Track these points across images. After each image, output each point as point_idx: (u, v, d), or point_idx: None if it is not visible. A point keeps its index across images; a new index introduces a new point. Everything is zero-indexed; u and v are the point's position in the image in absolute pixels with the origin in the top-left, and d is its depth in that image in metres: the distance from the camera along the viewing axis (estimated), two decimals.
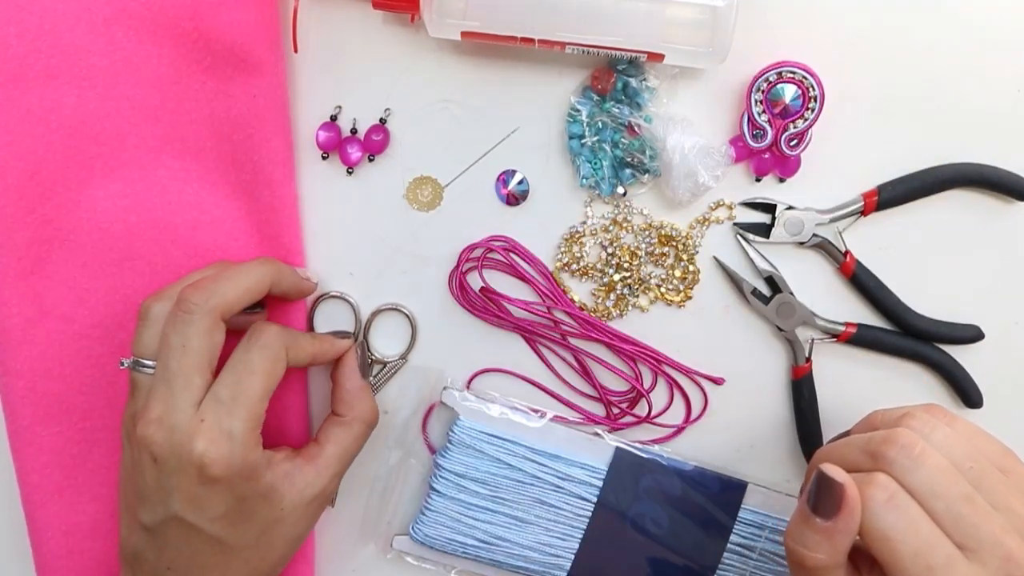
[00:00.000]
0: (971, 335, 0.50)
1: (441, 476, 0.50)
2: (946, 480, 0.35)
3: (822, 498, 0.36)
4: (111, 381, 0.48)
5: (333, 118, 0.49)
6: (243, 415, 0.41)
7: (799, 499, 0.38)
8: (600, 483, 0.50)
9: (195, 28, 0.44)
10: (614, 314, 0.50)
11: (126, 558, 0.44)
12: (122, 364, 0.44)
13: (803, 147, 0.48)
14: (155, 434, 0.40)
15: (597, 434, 0.51)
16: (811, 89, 0.46)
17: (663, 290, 0.50)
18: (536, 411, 0.51)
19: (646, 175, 0.48)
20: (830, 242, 0.49)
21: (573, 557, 0.50)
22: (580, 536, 0.50)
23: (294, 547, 0.45)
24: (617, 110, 0.47)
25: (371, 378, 0.51)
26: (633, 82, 0.47)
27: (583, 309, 0.50)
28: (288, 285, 0.46)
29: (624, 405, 0.51)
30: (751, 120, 0.47)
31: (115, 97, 0.45)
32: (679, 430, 0.51)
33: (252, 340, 0.42)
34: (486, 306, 0.50)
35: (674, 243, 0.49)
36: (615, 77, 0.47)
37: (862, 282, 0.49)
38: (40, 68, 0.44)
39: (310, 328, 0.50)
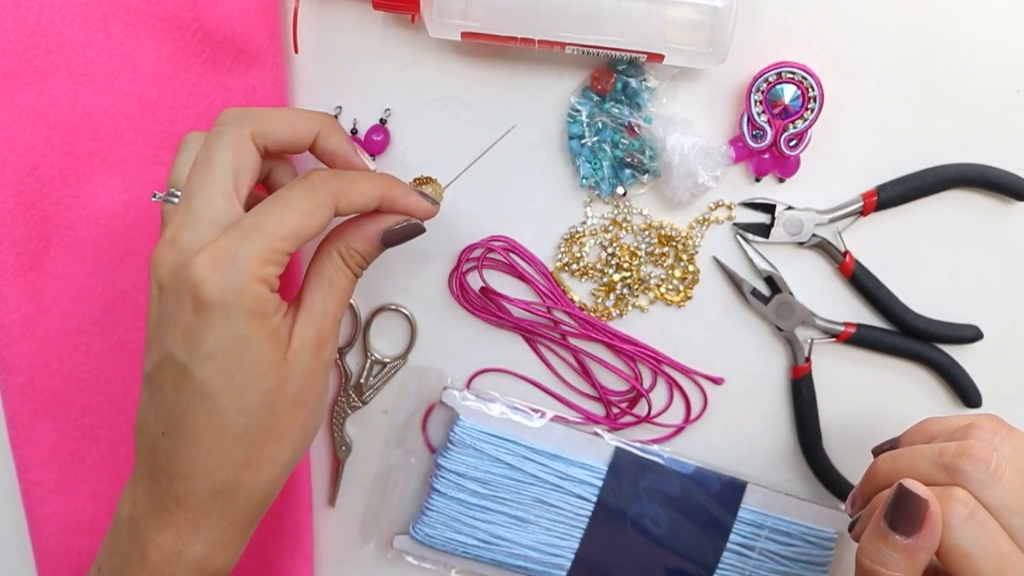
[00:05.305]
0: (970, 335, 0.50)
1: (441, 476, 0.50)
2: (1021, 496, 0.35)
3: (903, 515, 0.35)
4: (110, 377, 0.48)
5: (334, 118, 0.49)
6: (258, 242, 0.36)
7: (872, 517, 0.37)
8: (600, 483, 0.50)
9: (194, 19, 0.44)
10: (614, 314, 0.50)
11: (135, 439, 0.39)
12: (154, 196, 0.41)
13: (803, 147, 0.48)
14: (163, 256, 0.37)
15: (597, 434, 0.51)
16: (810, 89, 0.46)
17: (663, 290, 0.50)
18: (536, 411, 0.51)
19: (646, 175, 0.48)
20: (829, 242, 0.49)
21: (573, 557, 0.50)
22: (580, 536, 0.50)
23: (299, 430, 0.39)
24: (617, 110, 0.47)
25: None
26: (633, 82, 0.47)
27: (583, 309, 0.50)
28: (336, 144, 0.40)
29: (624, 405, 0.51)
30: (751, 120, 0.47)
31: (113, 92, 0.46)
32: (679, 430, 0.51)
33: (298, 179, 0.38)
34: (486, 306, 0.50)
35: (674, 243, 0.50)
36: (615, 77, 0.47)
37: (861, 282, 0.49)
38: (38, 64, 0.44)
39: None
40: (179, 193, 0.38)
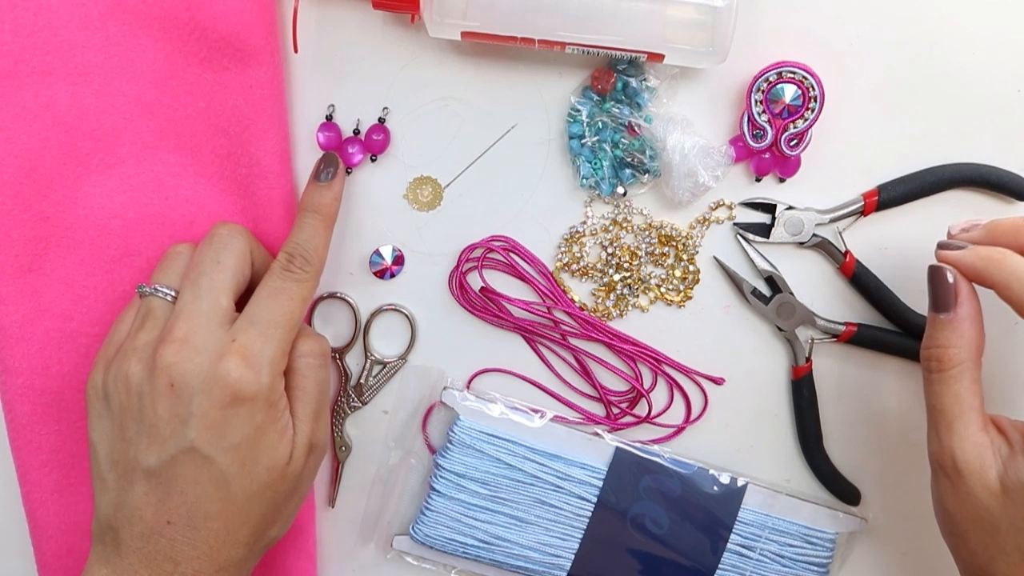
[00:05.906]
0: None
1: (441, 476, 0.50)
2: None
3: (939, 293, 0.41)
4: None
5: (328, 117, 0.48)
6: (279, 339, 0.41)
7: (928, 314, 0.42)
8: (600, 483, 0.50)
9: (191, 19, 0.44)
10: (614, 314, 0.50)
11: (104, 532, 0.41)
12: (140, 289, 0.43)
13: (803, 147, 0.48)
14: (178, 354, 0.39)
15: (597, 434, 0.51)
16: (811, 89, 0.46)
17: (663, 290, 0.50)
18: (536, 411, 0.51)
19: (646, 175, 0.48)
20: (830, 242, 0.49)
21: (573, 557, 0.50)
22: (580, 536, 0.50)
23: (291, 512, 0.44)
24: (617, 110, 0.47)
25: (368, 378, 0.51)
26: (633, 82, 0.47)
27: (583, 309, 0.50)
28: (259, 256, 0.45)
29: (624, 405, 0.51)
30: (751, 120, 0.47)
31: (111, 93, 0.45)
32: (679, 430, 0.51)
33: (278, 265, 0.43)
34: (486, 306, 0.50)
35: (674, 243, 0.49)
36: (615, 77, 0.47)
37: (862, 282, 0.49)
38: (35, 64, 0.44)
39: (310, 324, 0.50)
40: (168, 290, 0.42)
